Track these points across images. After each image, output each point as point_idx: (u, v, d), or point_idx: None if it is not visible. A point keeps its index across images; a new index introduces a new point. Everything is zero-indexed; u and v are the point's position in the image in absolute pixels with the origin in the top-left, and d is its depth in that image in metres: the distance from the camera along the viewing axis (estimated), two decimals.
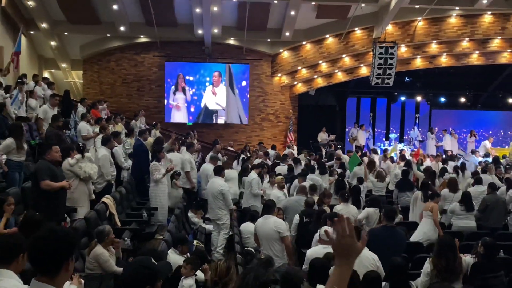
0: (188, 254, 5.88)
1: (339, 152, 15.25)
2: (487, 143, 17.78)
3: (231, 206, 8.32)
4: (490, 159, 14.61)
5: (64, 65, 17.78)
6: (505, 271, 5.79)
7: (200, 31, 16.54)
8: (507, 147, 18.73)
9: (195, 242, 7.61)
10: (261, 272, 3.12)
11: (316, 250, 5.49)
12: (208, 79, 18.08)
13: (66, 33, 16.70)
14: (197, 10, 15.08)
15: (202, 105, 18.12)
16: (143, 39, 17.46)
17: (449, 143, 18.79)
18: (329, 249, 5.66)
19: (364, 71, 17.47)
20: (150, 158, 9.32)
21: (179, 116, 18.05)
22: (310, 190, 8.56)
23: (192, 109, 18.15)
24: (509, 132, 21.49)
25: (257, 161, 12.51)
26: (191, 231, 8.72)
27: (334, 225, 1.90)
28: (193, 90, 18.10)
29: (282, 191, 9.00)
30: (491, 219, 8.41)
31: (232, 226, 8.11)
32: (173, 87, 17.93)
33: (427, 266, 5.11)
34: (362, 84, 18.03)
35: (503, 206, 9.00)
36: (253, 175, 9.72)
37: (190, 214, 9.12)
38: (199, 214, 9.14)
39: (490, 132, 21.03)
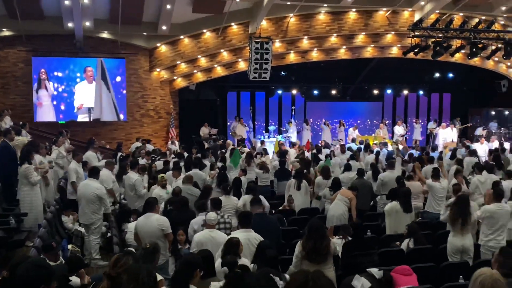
0: (61, 261, 5.55)
1: (229, 141, 15.59)
2: (351, 131, 19.48)
3: (109, 210, 8.03)
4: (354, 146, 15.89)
5: None
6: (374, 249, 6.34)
7: (70, 24, 15.63)
8: (373, 134, 20.33)
9: (70, 246, 7.22)
10: (150, 268, 3.13)
11: (204, 234, 6.03)
12: (78, 74, 17.16)
13: None
14: (66, 2, 14.22)
15: (76, 103, 17.17)
16: (6, 32, 16.05)
17: (326, 133, 20.20)
18: (213, 232, 6.05)
19: (242, 65, 17.82)
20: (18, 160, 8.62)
21: (47, 114, 16.93)
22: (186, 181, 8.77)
23: (63, 107, 17.12)
24: (374, 121, 23.34)
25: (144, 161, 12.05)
26: (65, 235, 8.25)
27: None
28: (63, 86, 17.07)
29: (164, 189, 8.87)
30: (359, 202, 9.07)
31: (111, 227, 7.83)
32: (36, 84, 16.75)
33: (297, 248, 5.39)
34: (241, 78, 18.38)
35: (369, 190, 9.82)
36: (133, 175, 9.47)
37: (63, 218, 8.62)
38: (72, 216, 8.63)
39: (358, 121, 22.69)
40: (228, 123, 21.42)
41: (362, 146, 15.27)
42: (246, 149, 14.28)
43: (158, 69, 17.98)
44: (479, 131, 20.70)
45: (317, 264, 5.22)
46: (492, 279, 3.04)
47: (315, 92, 22.20)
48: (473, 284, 3.10)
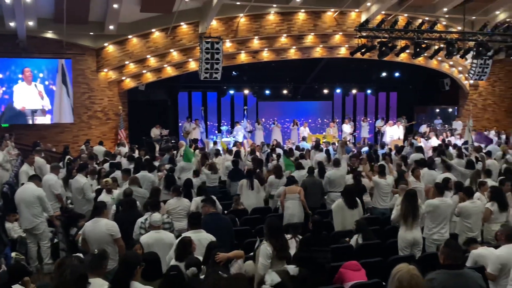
0: (3, 269, 5.33)
1: (182, 142, 15.52)
2: (302, 130, 19.87)
3: (51, 213, 7.78)
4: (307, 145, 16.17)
5: None
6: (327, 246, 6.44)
7: (12, 24, 15.03)
8: (324, 133, 20.71)
9: (13, 254, 6.95)
10: (78, 266, 3.17)
11: (150, 235, 6.11)
12: (20, 76, 16.52)
13: None
14: (7, 0, 13.64)
15: (17, 105, 16.50)
16: None
17: (277, 133, 20.40)
18: (160, 233, 6.07)
19: (193, 65, 17.70)
20: None
21: None
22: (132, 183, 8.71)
23: (3, 109, 16.43)
24: (325, 120, 23.80)
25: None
26: (8, 243, 7.92)
27: None
28: (3, 88, 16.37)
29: (110, 194, 8.67)
30: (310, 200, 9.24)
31: (57, 233, 7.59)
32: None
33: (267, 249, 5.25)
34: (193, 78, 18.29)
35: (320, 188, 9.99)
36: (82, 179, 9.23)
37: (7, 225, 8.28)
38: (13, 218, 8.27)
39: (310, 120, 23.02)
40: (180, 124, 21.23)
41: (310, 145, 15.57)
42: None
43: (105, 70, 17.58)
44: (423, 128, 21.49)
45: (284, 261, 5.27)
46: (409, 275, 3.14)
47: (267, 91, 22.37)
48: (392, 280, 3.18)
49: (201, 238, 5.71)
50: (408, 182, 8.89)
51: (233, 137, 19.12)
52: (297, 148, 14.85)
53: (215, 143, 17.31)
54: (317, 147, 14.88)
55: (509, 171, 10.42)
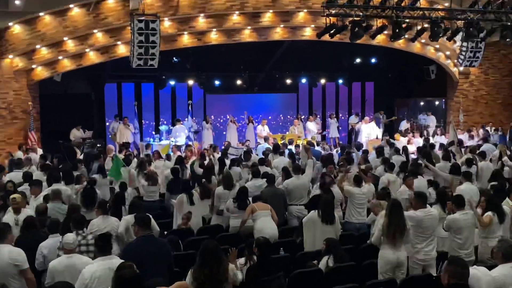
0: None
1: (110, 147, 15.57)
2: (260, 129, 20.25)
3: None
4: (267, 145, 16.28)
5: None
6: (284, 270, 6.47)
7: None
8: (287, 132, 20.89)
9: None
10: None
11: (60, 261, 6.17)
12: None
13: None
14: None
15: None
16: None
17: (232, 133, 20.55)
18: (72, 258, 6.07)
19: (122, 50, 17.45)
20: None
21: None
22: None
23: None
24: (288, 116, 24.06)
25: None
26: None
27: None
28: None
29: (17, 214, 8.37)
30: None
31: None
32: None
33: (187, 280, 5.33)
34: (123, 66, 18.02)
35: (282, 200, 10.04)
36: None
37: None
38: None
39: (270, 117, 23.24)
40: (107, 123, 20.91)
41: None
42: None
43: (10, 56, 17.13)
44: (404, 124, 22.01)
45: None
46: None
47: (217, 82, 22.35)
48: None
49: (113, 266, 5.42)
50: (389, 193, 9.08)
51: (174, 139, 18.95)
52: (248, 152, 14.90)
53: (147, 146, 17.14)
54: (276, 150, 14.97)
55: (500, 175, 10.89)
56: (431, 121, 22.34)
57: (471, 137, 19.32)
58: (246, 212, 8.96)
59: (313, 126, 21.37)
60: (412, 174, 10.69)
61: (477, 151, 14.16)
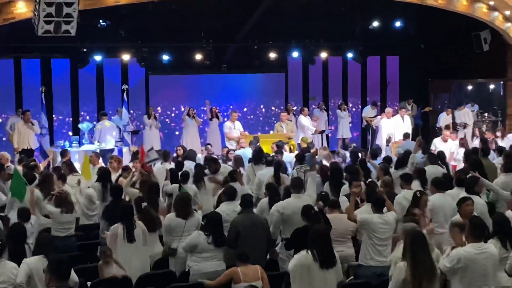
0: None
1: (3, 154, 15.29)
2: (229, 126, 20.04)
3: None
4: None
5: None
6: None
7: None
8: (271, 131, 20.83)
9: None
10: None
11: None
12: None
13: None
14: None
15: None
16: None
17: (192, 133, 20.45)
18: None
19: (22, 10, 17.28)
20: None
21: None
22: None
23: None
24: (273, 108, 24.18)
25: None
26: None
27: None
28: None
29: None
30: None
31: None
32: None
33: None
34: (23, 35, 17.89)
35: (264, 233, 9.89)
36: None
37: None
38: None
39: (245, 109, 23.25)
40: (0, 120, 20.73)
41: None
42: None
43: None
44: (443, 119, 21.86)
45: None
46: None
47: (165, 57, 22.14)
48: None
49: None
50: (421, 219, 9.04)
51: (99, 142, 18.77)
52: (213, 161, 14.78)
53: (63, 153, 16.84)
54: (258, 158, 14.90)
55: None
56: (465, 115, 22.04)
57: None
58: (223, 277, 8.88)
59: (306, 121, 21.28)
60: (439, 187, 10.82)
61: None
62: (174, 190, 12.62)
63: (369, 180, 12.01)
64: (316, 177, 12.09)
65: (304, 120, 21.37)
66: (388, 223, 9.55)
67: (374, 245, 9.48)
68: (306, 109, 22.05)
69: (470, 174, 12.24)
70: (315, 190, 11.58)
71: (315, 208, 9.85)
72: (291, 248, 8.62)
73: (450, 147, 17.47)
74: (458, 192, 10.84)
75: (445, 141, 17.84)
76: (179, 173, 13.42)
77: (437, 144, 17.63)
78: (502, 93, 24.00)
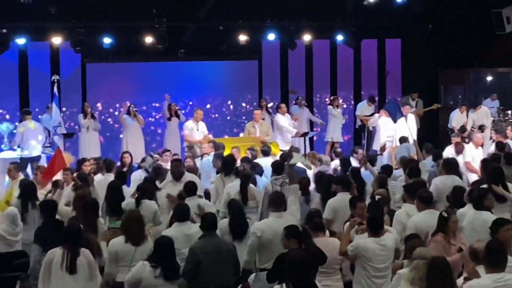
0: None
1: None
2: (191, 126, 20.04)
3: None
4: None
5: None
6: None
7: None
8: (241, 134, 20.93)
9: None
10: None
11: None
12: None
13: None
14: None
15: None
16: None
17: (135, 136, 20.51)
18: None
19: None
20: None
21: None
22: None
23: None
24: (243, 104, 24.30)
25: None
26: None
27: None
28: None
29: None
30: None
31: None
32: None
33: None
34: None
35: (230, 261, 10.00)
36: None
37: None
38: None
39: (208, 105, 23.24)
40: None
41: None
42: None
43: None
44: (456, 116, 21.92)
45: None
46: None
47: (106, 41, 22.13)
48: None
49: None
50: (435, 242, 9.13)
51: (21, 149, 18.74)
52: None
53: None
54: (227, 167, 14.95)
55: None
56: (483, 116, 22.08)
57: None
58: None
59: (284, 121, 21.31)
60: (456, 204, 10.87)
61: None
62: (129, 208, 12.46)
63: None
64: (298, 191, 12.05)
65: (282, 119, 21.37)
66: (386, 247, 9.62)
67: (369, 277, 9.57)
68: (284, 105, 22.03)
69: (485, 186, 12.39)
70: (298, 208, 11.61)
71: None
72: (275, 280, 8.53)
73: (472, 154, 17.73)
74: (475, 211, 10.96)
75: (459, 152, 17.86)
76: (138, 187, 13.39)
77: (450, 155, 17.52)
78: None
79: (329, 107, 23.09)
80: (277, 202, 10.78)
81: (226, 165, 15.17)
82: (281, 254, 9.04)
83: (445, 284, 7.22)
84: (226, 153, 17.15)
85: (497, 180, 12.63)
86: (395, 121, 20.81)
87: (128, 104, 21.09)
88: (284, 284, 7.78)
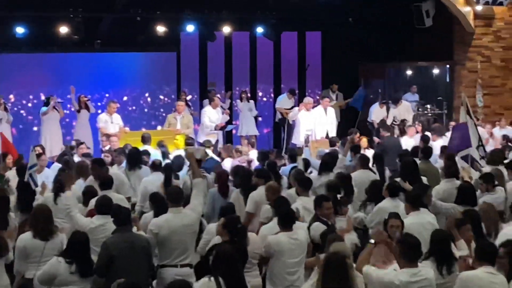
0: None
1: None
2: (104, 120, 20.06)
3: None
4: None
5: None
6: None
7: None
8: (159, 127, 20.75)
9: None
10: None
11: None
12: None
13: None
14: None
15: None
16: None
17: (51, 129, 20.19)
18: None
19: None
20: None
21: None
22: None
23: None
24: (161, 97, 24.28)
25: None
26: None
27: None
28: None
29: None
30: None
31: None
32: None
33: None
34: None
35: (143, 258, 9.85)
36: None
37: None
38: None
39: (125, 97, 23.29)
40: None
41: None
42: None
43: None
44: (376, 110, 22.02)
45: None
46: None
47: (19, 30, 21.78)
48: None
49: None
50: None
51: None
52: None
53: None
54: (133, 160, 14.80)
55: None
56: (405, 112, 22.20)
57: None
58: None
59: (213, 115, 21.17)
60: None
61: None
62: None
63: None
64: (202, 185, 11.77)
65: (213, 113, 21.15)
66: (298, 242, 9.52)
67: (282, 273, 9.46)
68: (217, 98, 21.76)
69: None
70: (201, 202, 11.32)
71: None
72: (200, 277, 8.36)
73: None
74: (395, 205, 10.90)
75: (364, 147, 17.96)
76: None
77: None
78: (448, 80, 24.36)
79: (237, 101, 23.07)
80: (174, 197, 10.57)
81: (131, 159, 15.03)
82: (211, 247, 8.87)
83: (340, 280, 7.24)
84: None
85: (411, 174, 12.65)
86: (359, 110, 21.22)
87: (49, 96, 20.78)
88: (212, 277, 7.70)
